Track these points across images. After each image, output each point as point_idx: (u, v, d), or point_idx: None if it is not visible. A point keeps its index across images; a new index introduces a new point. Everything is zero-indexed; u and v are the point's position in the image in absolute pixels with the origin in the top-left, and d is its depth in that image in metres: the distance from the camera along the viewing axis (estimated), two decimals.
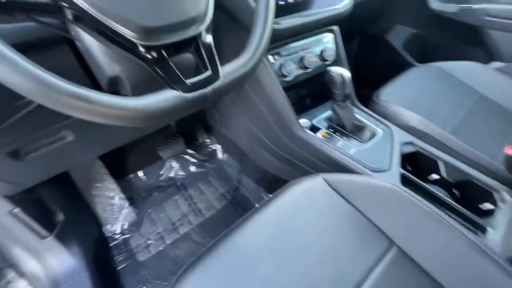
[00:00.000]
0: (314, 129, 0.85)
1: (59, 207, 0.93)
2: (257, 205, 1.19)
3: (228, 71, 0.44)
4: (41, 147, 0.63)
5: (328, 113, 0.89)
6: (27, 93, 0.30)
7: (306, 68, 0.85)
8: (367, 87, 1.42)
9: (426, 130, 0.81)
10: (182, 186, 1.30)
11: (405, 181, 0.70)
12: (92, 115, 0.33)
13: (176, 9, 0.38)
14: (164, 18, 0.37)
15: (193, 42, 0.41)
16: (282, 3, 0.72)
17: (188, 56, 0.42)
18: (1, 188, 0.67)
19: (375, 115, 0.89)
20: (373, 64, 1.54)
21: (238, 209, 1.20)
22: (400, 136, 0.82)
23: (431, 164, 0.77)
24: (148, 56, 0.37)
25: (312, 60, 0.85)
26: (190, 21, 0.39)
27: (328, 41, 0.91)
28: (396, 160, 0.74)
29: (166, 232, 1.13)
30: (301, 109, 1.02)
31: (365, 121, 0.86)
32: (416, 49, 1.41)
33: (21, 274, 0.92)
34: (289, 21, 0.72)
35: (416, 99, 0.91)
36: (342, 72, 0.74)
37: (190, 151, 1.39)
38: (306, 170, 0.88)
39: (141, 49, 0.36)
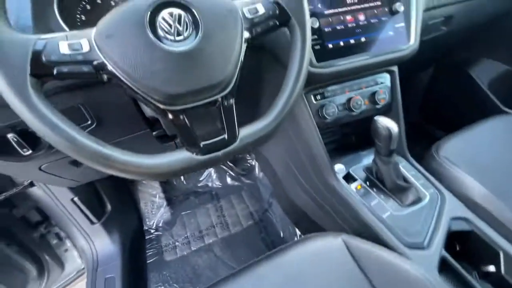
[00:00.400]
0: (350, 178, 0.79)
1: (109, 198, 1.08)
2: (281, 234, 1.17)
3: (245, 134, 0.43)
4: None
5: (370, 161, 0.80)
6: (60, 148, 0.35)
7: (352, 110, 0.78)
8: (434, 124, 1.24)
9: (491, 208, 0.67)
10: (216, 196, 1.36)
11: (445, 267, 0.59)
12: (113, 171, 0.38)
13: (200, 76, 0.39)
14: (188, 85, 0.39)
15: (215, 105, 0.42)
16: (331, 46, 0.67)
17: (209, 115, 0.43)
18: (66, 183, 0.83)
19: (427, 173, 0.77)
20: (447, 100, 1.32)
21: (262, 233, 1.20)
22: (453, 207, 0.69)
23: (488, 253, 0.63)
24: (170, 117, 0.40)
25: (360, 103, 0.78)
26: (212, 87, 0.40)
27: (383, 82, 0.82)
28: (440, 237, 0.63)
29: (193, 238, 1.21)
30: (342, 147, 0.96)
31: (412, 179, 0.75)
32: (506, 91, 1.16)
33: (75, 246, 1.11)
34: (336, 67, 0.67)
35: (487, 163, 0.75)
36: (390, 126, 0.66)
37: (229, 163, 1.44)
38: (334, 218, 0.82)
39: (164, 111, 0.39)
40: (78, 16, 0.61)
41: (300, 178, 0.94)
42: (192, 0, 0.39)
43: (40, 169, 0.66)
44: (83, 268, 1.12)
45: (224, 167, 1.43)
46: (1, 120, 0.51)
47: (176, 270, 1.10)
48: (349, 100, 0.78)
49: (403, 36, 0.73)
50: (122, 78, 0.37)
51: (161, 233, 1.23)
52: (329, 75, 0.68)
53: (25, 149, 0.56)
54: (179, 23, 0.38)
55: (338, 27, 0.67)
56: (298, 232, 1.08)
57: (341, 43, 0.68)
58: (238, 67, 0.42)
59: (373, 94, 0.80)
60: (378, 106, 0.81)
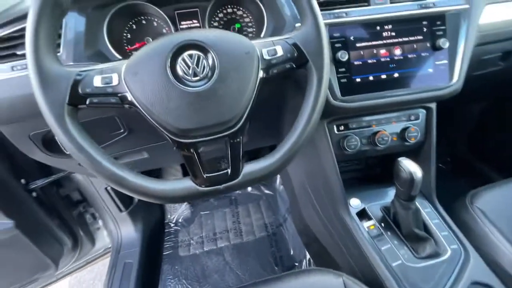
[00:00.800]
0: (364, 215, 0.75)
1: None
2: (291, 251, 1.16)
3: (248, 171, 0.45)
4: (126, 158, 0.83)
5: (389, 200, 0.76)
6: (85, 166, 0.41)
7: (376, 145, 0.74)
8: (483, 162, 1.12)
9: None
10: (235, 202, 1.40)
11: None
12: (125, 191, 0.43)
13: (211, 114, 0.42)
14: (198, 122, 0.42)
15: (223, 141, 0.44)
16: (359, 80, 0.64)
17: (216, 149, 0.45)
18: None
19: (454, 225, 0.70)
20: (500, 137, 1.17)
21: (273, 247, 1.20)
22: (477, 270, 0.62)
23: None
24: (179, 148, 0.43)
25: (387, 139, 0.73)
26: (221, 125, 0.43)
27: (417, 118, 0.76)
28: None
29: (207, 239, 1.26)
30: (363, 178, 0.92)
31: (434, 229, 0.69)
32: None
33: (105, 227, 1.25)
34: (362, 102, 0.64)
35: None
36: (413, 170, 0.61)
37: None
38: (342, 251, 0.80)
39: (175, 141, 0.43)
40: (124, 34, 0.68)
41: (315, 202, 0.93)
42: (212, 43, 0.41)
43: (79, 164, 0.75)
44: (110, 247, 1.25)
45: None
46: None
47: (187, 267, 1.17)
48: (374, 134, 0.74)
49: (444, 73, 0.67)
50: (141, 111, 0.42)
51: (179, 228, 1.31)
52: (354, 110, 0.66)
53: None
54: (197, 64, 0.41)
55: (370, 61, 0.64)
56: (307, 255, 1.06)
57: (371, 78, 0.65)
58: (249, 107, 0.44)
59: (404, 130, 0.75)
60: (407, 143, 0.76)
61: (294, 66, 0.45)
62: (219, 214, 1.36)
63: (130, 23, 0.68)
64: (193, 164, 0.43)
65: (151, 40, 0.68)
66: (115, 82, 0.41)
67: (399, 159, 0.64)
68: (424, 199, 0.77)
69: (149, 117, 0.42)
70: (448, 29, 0.65)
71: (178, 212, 1.36)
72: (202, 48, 0.41)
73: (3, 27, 0.54)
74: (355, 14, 0.63)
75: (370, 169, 0.92)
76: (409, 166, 0.62)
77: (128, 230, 1.15)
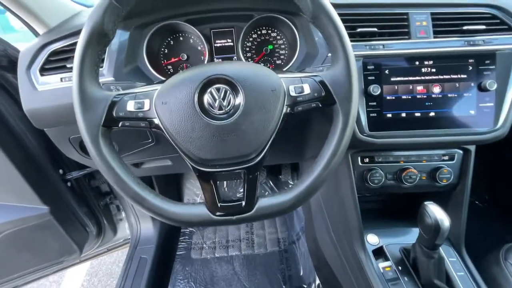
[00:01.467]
0: (381, 254, 0.71)
1: (159, 189, 1.24)
2: (301, 272, 1.14)
3: (262, 206, 0.45)
4: (151, 163, 0.88)
5: (411, 242, 0.71)
6: (111, 184, 0.44)
7: (402, 182, 0.70)
8: None
9: None
10: None
11: None
12: (145, 211, 0.45)
13: (231, 147, 0.42)
14: (217, 153, 0.43)
15: (240, 174, 0.45)
16: (389, 116, 0.61)
17: (233, 181, 0.46)
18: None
19: (481, 281, 0.64)
20: None
21: (283, 264, 1.19)
22: None
23: None
24: (198, 175, 0.45)
25: (415, 178, 0.69)
26: (240, 157, 0.43)
27: (451, 159, 0.70)
28: None
29: (220, 245, 1.29)
30: (385, 212, 0.87)
31: (458, 282, 0.64)
32: None
33: (127, 220, 1.32)
34: (391, 139, 0.61)
35: None
36: (439, 218, 0.57)
37: (271, 182, 1.46)
38: (353, 285, 0.77)
39: (195, 168, 0.44)
40: (162, 50, 0.72)
41: (330, 228, 0.90)
42: (241, 79, 0.42)
43: None
44: (129, 238, 1.33)
45: (265, 185, 1.46)
46: None
47: (197, 270, 1.20)
48: (402, 170, 0.70)
49: (489, 117, 0.61)
50: (167, 136, 0.44)
51: (194, 230, 1.35)
52: (381, 146, 0.63)
53: None
54: (224, 98, 0.42)
55: (404, 97, 0.61)
56: (317, 279, 1.04)
57: (403, 114, 0.62)
58: (270, 142, 0.44)
59: (435, 170, 0.70)
60: (437, 185, 0.71)
61: (321, 105, 0.44)
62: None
63: (168, 39, 0.71)
64: (209, 192, 0.45)
65: (185, 56, 0.71)
66: (146, 107, 0.43)
67: (426, 203, 0.60)
68: (450, 246, 0.71)
69: (173, 143, 0.44)
70: (498, 69, 0.59)
71: None
72: (230, 82, 0.42)
73: (57, 41, 0.60)
74: (394, 47, 0.60)
75: (392, 203, 0.87)
76: (436, 213, 0.58)
77: (147, 226, 1.21)
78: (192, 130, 0.42)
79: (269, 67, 0.77)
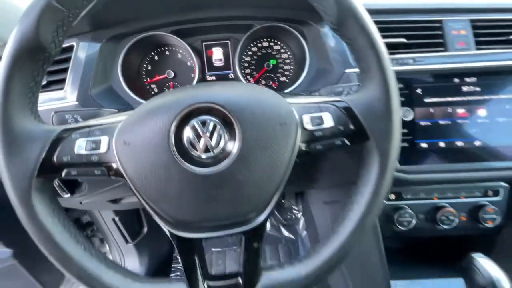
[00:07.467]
0: None
1: (148, 221, 1.10)
2: None
3: (269, 284, 0.32)
4: (131, 198, 0.75)
5: None
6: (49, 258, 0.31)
7: (438, 224, 0.57)
8: None
9: None
10: None
11: None
12: None
13: (222, 205, 0.30)
14: (204, 214, 0.30)
15: (236, 239, 0.32)
16: (425, 145, 0.49)
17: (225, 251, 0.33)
18: (110, 208, 0.86)
19: None
20: None
21: None
22: None
23: None
24: (177, 243, 0.31)
25: (453, 219, 0.56)
26: (236, 217, 0.31)
27: (495, 194, 0.57)
28: None
29: None
30: (419, 256, 0.73)
31: None
32: None
33: (111, 254, 1.17)
34: (427, 175, 0.49)
35: None
36: (495, 277, 0.44)
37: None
38: None
39: (172, 234, 0.31)
40: (144, 66, 0.60)
41: (345, 272, 0.76)
42: (236, 108, 0.30)
43: (81, 203, 0.68)
44: None
45: None
46: None
47: None
48: (436, 209, 0.57)
49: None
50: (132, 189, 0.31)
51: None
52: (414, 183, 0.50)
53: (64, 193, 0.57)
54: (212, 136, 0.29)
55: (441, 122, 0.49)
56: None
57: (441, 144, 0.49)
58: (277, 194, 0.31)
59: (477, 208, 0.57)
60: (483, 227, 0.57)
61: (348, 143, 0.32)
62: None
63: (152, 53, 0.60)
64: (191, 266, 0.31)
65: (172, 74, 0.60)
66: (103, 148, 0.31)
67: (473, 255, 0.47)
68: None
69: (140, 198, 0.31)
70: None
71: None
72: (221, 113, 0.30)
73: None
74: (426, 62, 0.48)
75: (426, 243, 0.74)
76: (489, 270, 0.45)
77: (133, 263, 1.07)
78: (167, 182, 0.29)
79: (271, 86, 0.66)
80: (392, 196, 0.58)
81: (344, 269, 0.76)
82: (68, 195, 0.59)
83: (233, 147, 0.29)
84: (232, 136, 0.30)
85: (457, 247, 0.49)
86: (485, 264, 0.46)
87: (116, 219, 0.97)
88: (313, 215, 1.02)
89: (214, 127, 0.29)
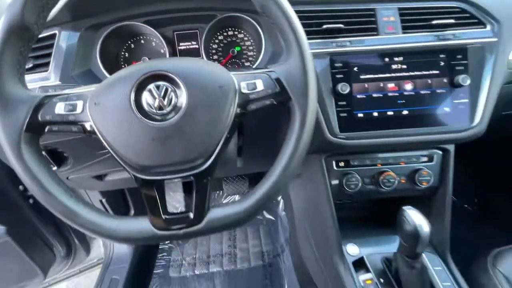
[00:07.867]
0: (362, 265, 0.66)
1: (134, 204, 1.16)
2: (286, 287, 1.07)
3: (213, 217, 0.40)
4: (115, 175, 0.81)
5: (392, 251, 0.66)
6: (38, 199, 0.38)
7: (381, 186, 0.66)
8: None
9: None
10: None
11: None
12: (79, 227, 0.39)
13: (175, 152, 0.38)
14: (159, 159, 0.38)
15: (187, 181, 0.39)
16: (361, 115, 0.57)
17: (179, 190, 0.41)
18: (94, 188, 0.93)
19: None
20: None
21: (267, 279, 1.12)
22: None
23: None
24: (141, 185, 0.39)
25: (394, 181, 0.65)
26: (185, 163, 0.38)
27: (430, 160, 0.67)
28: None
29: (200, 261, 1.21)
30: (364, 218, 0.82)
31: None
32: None
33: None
34: (363, 141, 0.57)
35: None
36: (418, 224, 0.53)
37: None
38: None
39: (136, 178, 0.39)
40: (122, 53, 0.67)
41: (311, 239, 0.85)
42: (183, 74, 0.38)
43: (67, 178, 0.75)
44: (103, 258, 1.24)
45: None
46: None
47: None
48: (379, 174, 0.66)
49: (464, 114, 0.58)
50: (103, 142, 0.38)
51: (174, 246, 1.27)
52: (354, 148, 0.59)
53: (51, 165, 0.64)
54: (164, 97, 0.37)
55: (375, 95, 0.58)
56: None
57: (375, 114, 0.58)
58: (220, 145, 0.39)
59: (414, 172, 0.66)
60: (418, 188, 0.67)
61: (275, 102, 0.40)
62: (215, 236, 1.30)
63: (129, 42, 0.67)
64: (153, 203, 0.39)
65: (147, 60, 0.67)
66: (78, 110, 0.38)
67: (404, 208, 0.56)
68: (435, 254, 0.67)
69: (110, 149, 0.38)
70: (470, 64, 0.57)
71: None
72: (171, 79, 0.38)
73: None
74: (361, 44, 0.57)
75: (373, 209, 0.83)
76: (414, 218, 0.53)
77: (120, 245, 1.13)
78: (130, 134, 0.37)
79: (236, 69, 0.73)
80: (341, 164, 0.67)
81: (310, 236, 0.85)
82: (55, 167, 0.66)
83: (181, 105, 0.37)
84: (180, 97, 0.37)
85: (398, 208, 0.57)
86: (412, 214, 0.54)
87: (103, 200, 1.03)
88: (290, 195, 1.10)
89: (166, 90, 0.37)
